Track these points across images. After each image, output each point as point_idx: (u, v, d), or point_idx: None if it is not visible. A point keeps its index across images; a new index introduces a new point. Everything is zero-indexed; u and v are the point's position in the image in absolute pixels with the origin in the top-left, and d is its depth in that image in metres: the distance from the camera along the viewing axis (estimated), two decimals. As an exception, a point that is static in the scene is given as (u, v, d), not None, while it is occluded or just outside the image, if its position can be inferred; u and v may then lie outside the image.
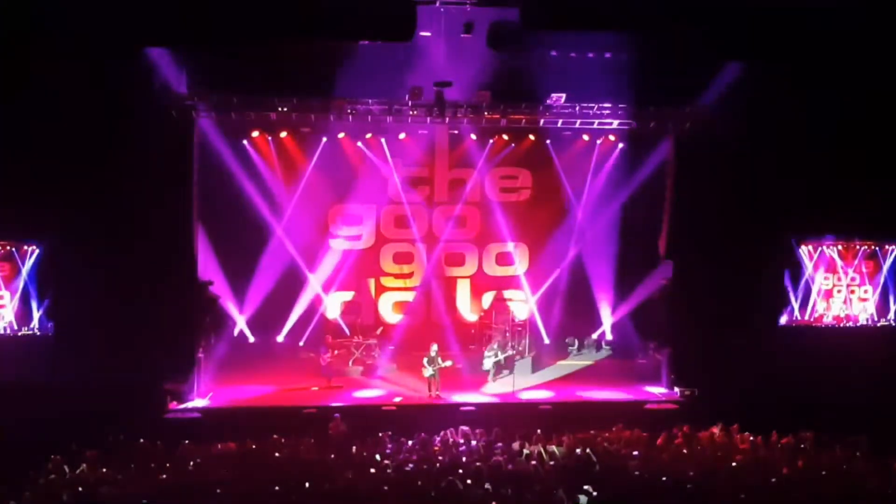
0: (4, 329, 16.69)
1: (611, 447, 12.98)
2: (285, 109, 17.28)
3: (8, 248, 16.81)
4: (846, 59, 16.23)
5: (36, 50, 15.11)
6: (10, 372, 15.69)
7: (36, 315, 16.73)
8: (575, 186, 19.92)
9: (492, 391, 17.20)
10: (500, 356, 18.17)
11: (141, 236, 15.97)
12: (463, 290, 20.56)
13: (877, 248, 19.13)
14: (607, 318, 19.98)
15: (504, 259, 20.54)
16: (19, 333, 16.61)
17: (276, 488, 10.73)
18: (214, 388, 17.05)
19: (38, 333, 16.61)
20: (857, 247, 19.07)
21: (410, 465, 12.04)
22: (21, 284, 16.74)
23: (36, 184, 15.73)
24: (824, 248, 18.86)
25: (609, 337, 19.89)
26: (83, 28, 14.67)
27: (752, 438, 13.44)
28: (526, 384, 17.56)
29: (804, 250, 18.74)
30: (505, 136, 19.21)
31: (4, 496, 10.36)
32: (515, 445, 13.06)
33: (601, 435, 13.85)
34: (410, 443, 13.34)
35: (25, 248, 16.75)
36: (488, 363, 17.99)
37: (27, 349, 16.46)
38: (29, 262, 16.76)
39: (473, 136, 19.09)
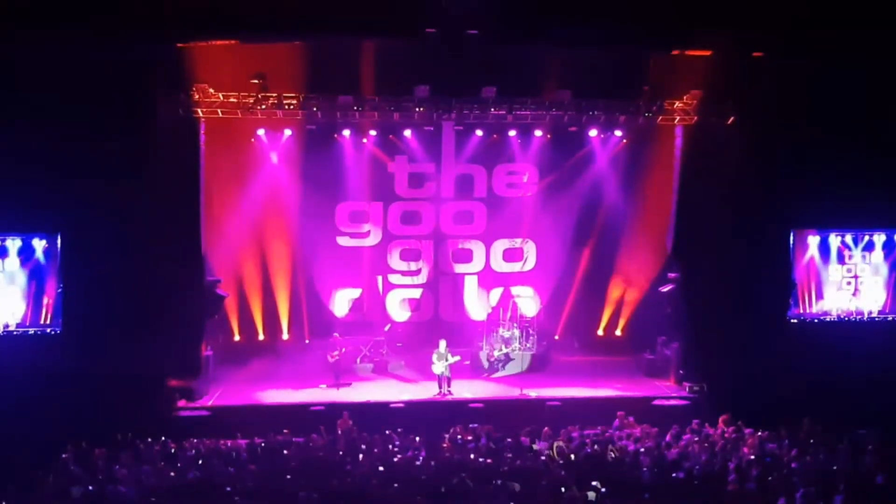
0: (14, 325, 16.67)
1: (619, 443, 12.98)
2: (291, 107, 17.25)
3: (17, 242, 16.78)
4: (853, 52, 16.13)
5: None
6: (20, 368, 15.72)
7: (44, 312, 16.73)
8: (581, 182, 19.86)
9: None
10: (504, 350, 18.40)
11: (149, 235, 15.96)
12: (470, 287, 20.53)
13: (887, 239, 18.93)
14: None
15: (511, 255, 20.51)
16: (28, 330, 16.63)
17: (285, 486, 10.76)
18: (222, 385, 17.09)
19: (48, 330, 16.63)
20: (867, 237, 18.88)
21: (419, 463, 12.06)
22: (30, 280, 16.73)
23: (46, 180, 15.74)
24: (833, 239, 18.68)
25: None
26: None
27: (760, 433, 13.41)
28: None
29: (813, 242, 18.57)
30: (511, 132, 19.14)
31: (14, 494, 10.41)
32: (525, 442, 13.09)
33: (610, 431, 13.87)
34: (419, 440, 13.36)
35: (34, 243, 16.73)
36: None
37: (36, 346, 16.46)
38: (38, 258, 16.73)
39: (479, 132, 19.01)
